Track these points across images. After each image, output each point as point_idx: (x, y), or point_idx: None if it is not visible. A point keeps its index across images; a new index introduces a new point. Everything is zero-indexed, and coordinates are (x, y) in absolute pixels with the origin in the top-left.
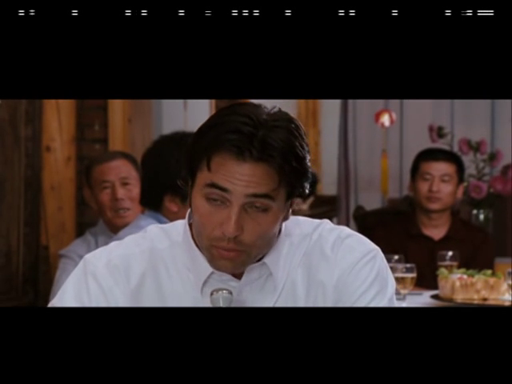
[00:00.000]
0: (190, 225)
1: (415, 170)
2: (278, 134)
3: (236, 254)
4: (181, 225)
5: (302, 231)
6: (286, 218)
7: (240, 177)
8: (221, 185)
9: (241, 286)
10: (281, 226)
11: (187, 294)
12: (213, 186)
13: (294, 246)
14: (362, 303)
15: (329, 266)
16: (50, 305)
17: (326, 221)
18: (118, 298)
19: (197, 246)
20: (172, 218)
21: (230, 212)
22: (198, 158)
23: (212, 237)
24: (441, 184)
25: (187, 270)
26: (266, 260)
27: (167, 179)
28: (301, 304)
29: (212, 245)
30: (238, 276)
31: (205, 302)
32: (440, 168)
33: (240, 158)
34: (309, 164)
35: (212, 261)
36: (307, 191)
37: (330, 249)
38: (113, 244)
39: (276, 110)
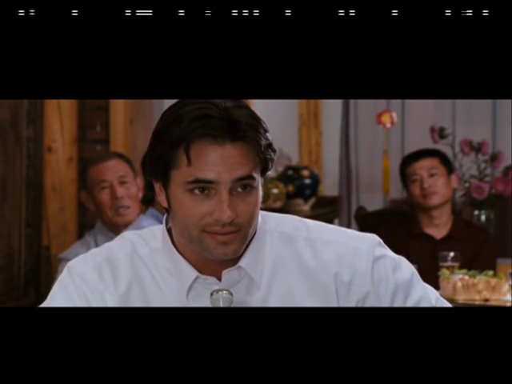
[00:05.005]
0: (169, 230)
1: (403, 179)
2: (243, 112)
3: (233, 237)
4: (158, 230)
5: (282, 229)
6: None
7: (222, 162)
8: (206, 178)
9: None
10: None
11: (173, 298)
12: (196, 181)
13: (275, 245)
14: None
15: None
16: None
17: (306, 222)
18: (108, 302)
19: (178, 251)
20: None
21: (219, 199)
22: (169, 156)
23: (202, 224)
24: (430, 179)
25: (170, 276)
26: (241, 264)
27: None
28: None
29: (204, 231)
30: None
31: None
32: (423, 165)
33: (219, 142)
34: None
35: (208, 250)
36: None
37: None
38: (93, 250)
39: None
